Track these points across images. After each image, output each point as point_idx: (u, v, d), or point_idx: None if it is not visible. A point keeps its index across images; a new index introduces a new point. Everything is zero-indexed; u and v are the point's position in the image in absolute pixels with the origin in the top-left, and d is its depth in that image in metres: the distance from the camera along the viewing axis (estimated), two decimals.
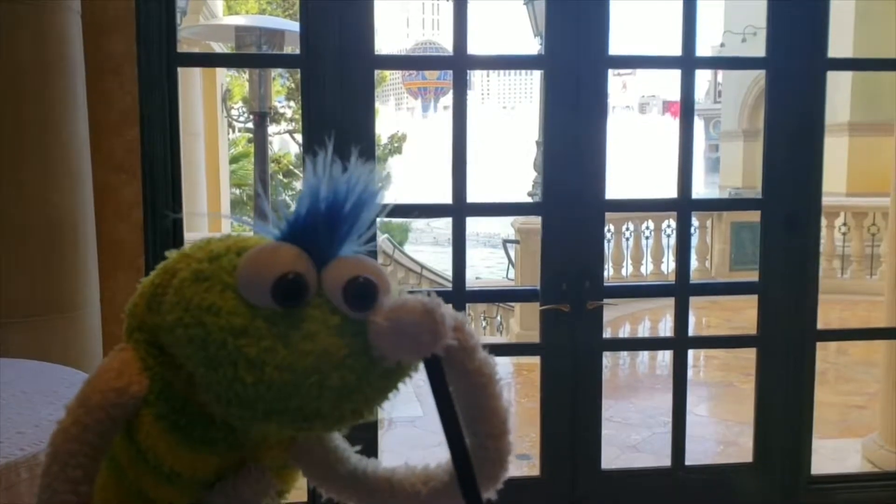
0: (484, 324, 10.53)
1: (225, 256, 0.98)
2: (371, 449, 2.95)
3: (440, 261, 13.54)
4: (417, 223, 24.52)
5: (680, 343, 3.15)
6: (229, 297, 0.94)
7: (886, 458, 3.66)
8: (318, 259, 0.98)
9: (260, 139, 5.30)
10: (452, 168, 2.89)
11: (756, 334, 3.14)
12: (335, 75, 2.75)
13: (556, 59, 2.85)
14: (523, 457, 4.50)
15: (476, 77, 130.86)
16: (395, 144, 22.32)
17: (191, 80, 7.76)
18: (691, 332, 7.61)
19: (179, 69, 2.79)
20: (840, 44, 12.65)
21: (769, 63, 3.02)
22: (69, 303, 2.39)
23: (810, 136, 3.03)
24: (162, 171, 2.72)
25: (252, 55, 4.55)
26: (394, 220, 19.79)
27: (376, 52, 2.89)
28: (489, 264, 20.11)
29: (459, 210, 2.87)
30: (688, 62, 2.88)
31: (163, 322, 0.98)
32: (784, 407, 3.13)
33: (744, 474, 3.22)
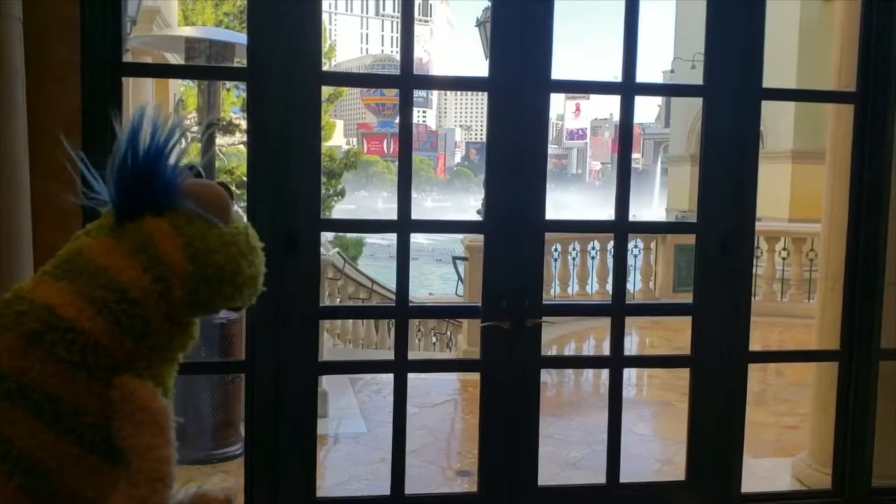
0: (434, 339, 10.56)
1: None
2: (310, 464, 2.95)
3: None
4: (374, 237, 24.52)
5: (615, 362, 3.21)
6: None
7: (814, 478, 3.77)
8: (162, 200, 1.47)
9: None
10: (398, 184, 2.92)
11: (690, 355, 3.22)
12: (281, 89, 2.77)
13: (499, 82, 2.91)
14: (463, 473, 4.53)
15: (435, 95, 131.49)
16: (351, 159, 22.30)
17: (143, 90, 7.68)
18: (635, 351, 7.81)
19: (130, 79, 2.78)
20: (786, 73, 13.04)
21: (706, 91, 3.12)
22: None
23: (744, 162, 3.13)
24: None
25: (199, 67, 4.54)
26: (347, 234, 19.75)
27: (324, 69, 2.92)
28: (444, 280, 20.18)
29: (403, 226, 2.90)
30: (627, 88, 2.97)
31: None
32: (716, 426, 3.22)
33: (677, 492, 3.29)
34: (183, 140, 1.48)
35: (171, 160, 1.45)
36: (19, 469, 1.36)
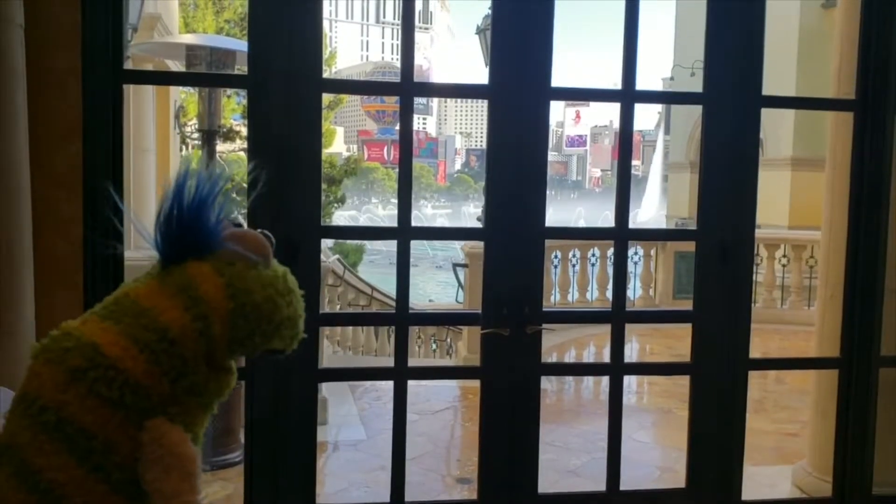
0: (434, 346, 10.56)
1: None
2: (309, 471, 2.95)
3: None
4: (375, 244, 24.57)
5: (615, 369, 3.21)
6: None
7: (815, 485, 3.77)
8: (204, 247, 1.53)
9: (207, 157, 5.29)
10: (398, 191, 2.93)
11: (690, 362, 3.22)
12: (282, 97, 2.77)
13: (499, 89, 2.92)
14: (464, 481, 4.52)
15: (435, 102, 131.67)
16: (351, 166, 22.36)
17: (144, 97, 7.69)
18: (636, 358, 7.80)
19: (130, 86, 2.79)
20: (786, 81, 13.06)
21: (706, 98, 3.13)
22: (3, 319, 2.35)
23: (744, 169, 3.14)
24: (104, 187, 2.70)
25: (200, 74, 4.55)
26: (346, 241, 19.77)
27: (324, 76, 2.93)
28: (445, 287, 20.19)
29: (404, 233, 2.90)
30: (627, 96, 2.97)
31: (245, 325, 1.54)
32: (716, 434, 3.21)
33: (677, 499, 3.28)
34: (225, 191, 1.58)
35: (215, 209, 1.55)
36: (46, 502, 1.39)
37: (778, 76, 9.46)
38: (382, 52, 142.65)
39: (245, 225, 1.67)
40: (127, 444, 1.43)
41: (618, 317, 3.17)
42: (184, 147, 12.60)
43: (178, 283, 1.53)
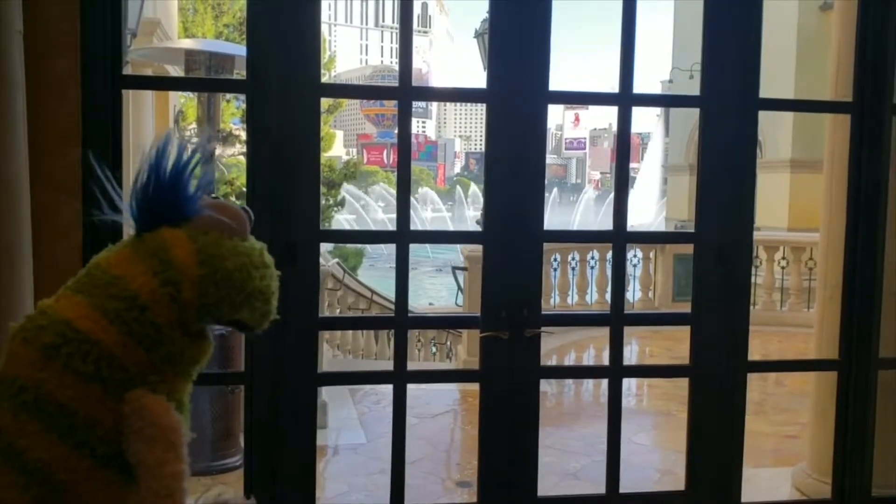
0: (434, 349, 10.56)
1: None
2: (309, 475, 2.95)
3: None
4: (376, 247, 24.59)
5: (615, 372, 3.22)
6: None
7: (814, 487, 3.77)
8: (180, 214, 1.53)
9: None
10: (397, 195, 2.94)
11: (689, 364, 3.22)
12: (280, 101, 2.78)
13: (498, 93, 2.92)
14: (464, 484, 4.53)
15: (434, 106, 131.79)
16: (351, 170, 22.36)
17: (143, 102, 7.69)
18: (635, 360, 7.80)
19: (129, 91, 2.79)
20: (784, 83, 13.07)
21: (704, 101, 3.14)
22: (3, 323, 2.35)
23: (742, 172, 3.15)
24: (103, 192, 2.70)
25: (199, 79, 4.56)
26: (346, 245, 19.77)
27: (322, 80, 2.93)
28: (444, 290, 20.20)
29: (402, 237, 2.90)
30: (625, 99, 2.98)
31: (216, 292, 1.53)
32: (716, 436, 3.21)
33: (676, 502, 3.29)
34: (205, 160, 1.58)
35: (192, 176, 1.55)
36: (34, 482, 1.39)
37: (776, 79, 9.47)
38: (381, 56, 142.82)
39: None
40: (109, 417, 1.43)
41: (617, 319, 3.17)
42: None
43: (150, 247, 1.52)
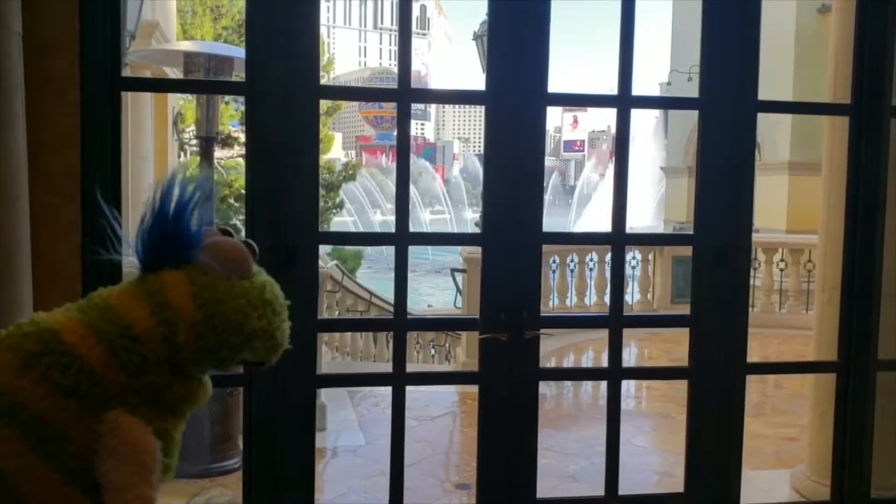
0: (432, 351, 10.55)
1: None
2: (308, 477, 2.95)
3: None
4: (375, 249, 24.61)
5: (614, 374, 3.22)
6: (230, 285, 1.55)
7: (813, 489, 3.77)
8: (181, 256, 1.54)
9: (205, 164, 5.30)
10: (396, 197, 2.94)
11: (688, 366, 3.22)
12: (280, 103, 2.78)
13: (496, 95, 2.92)
14: (462, 486, 4.52)
15: (433, 108, 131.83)
16: (349, 172, 22.38)
17: (141, 104, 7.68)
18: (634, 362, 7.80)
19: (128, 93, 2.79)
20: (783, 85, 13.07)
21: (702, 103, 3.14)
22: (2, 325, 2.35)
23: (740, 174, 3.15)
24: (102, 193, 2.70)
25: (198, 81, 4.56)
26: (345, 247, 19.77)
27: (321, 82, 2.93)
28: (443, 292, 20.19)
29: (402, 239, 2.90)
30: (623, 101, 2.98)
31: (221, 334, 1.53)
32: (715, 438, 3.22)
33: None
34: (208, 198, 1.59)
35: (194, 217, 1.56)
36: None
37: (775, 81, 9.49)
38: (380, 58, 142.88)
39: (242, 232, 1.68)
40: (84, 434, 1.41)
41: (615, 322, 3.17)
42: (182, 154, 12.61)
43: (150, 288, 1.54)
